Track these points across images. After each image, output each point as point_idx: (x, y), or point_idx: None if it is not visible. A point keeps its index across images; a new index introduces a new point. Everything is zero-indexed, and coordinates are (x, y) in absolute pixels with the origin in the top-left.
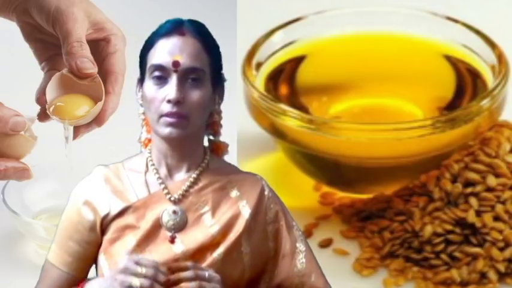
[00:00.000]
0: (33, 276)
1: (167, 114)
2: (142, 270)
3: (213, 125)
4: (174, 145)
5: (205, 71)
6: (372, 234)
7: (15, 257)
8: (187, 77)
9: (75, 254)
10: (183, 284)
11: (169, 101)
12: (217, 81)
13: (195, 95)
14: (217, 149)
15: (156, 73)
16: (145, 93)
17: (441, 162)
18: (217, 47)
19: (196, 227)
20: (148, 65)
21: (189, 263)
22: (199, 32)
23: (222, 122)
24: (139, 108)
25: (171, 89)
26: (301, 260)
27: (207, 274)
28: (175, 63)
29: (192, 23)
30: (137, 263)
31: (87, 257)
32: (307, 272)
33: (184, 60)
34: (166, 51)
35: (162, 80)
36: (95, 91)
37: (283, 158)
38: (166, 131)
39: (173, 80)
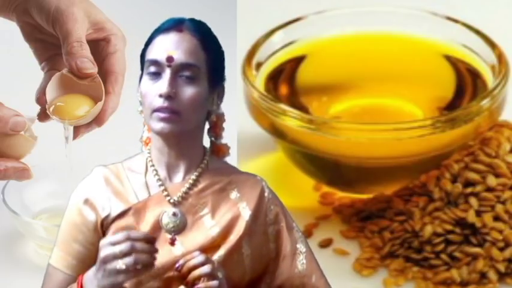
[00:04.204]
0: (33, 276)
1: (159, 109)
2: (119, 249)
3: (214, 127)
4: (171, 142)
5: (201, 68)
6: (372, 234)
7: (15, 257)
8: (181, 72)
9: (79, 256)
10: (196, 271)
11: (161, 96)
12: (217, 81)
13: (188, 91)
14: (218, 151)
15: (151, 68)
16: (141, 88)
17: (441, 162)
18: (217, 46)
19: (196, 229)
20: (145, 61)
21: (195, 252)
22: (198, 29)
23: (224, 125)
24: (139, 106)
25: (163, 83)
26: (301, 261)
27: (215, 260)
28: (169, 59)
29: (193, 21)
30: (112, 244)
31: (91, 259)
32: (308, 273)
33: (178, 56)
34: (162, 47)
35: (156, 75)
36: (95, 91)
37: (283, 158)
38: (158, 126)
39: (166, 74)
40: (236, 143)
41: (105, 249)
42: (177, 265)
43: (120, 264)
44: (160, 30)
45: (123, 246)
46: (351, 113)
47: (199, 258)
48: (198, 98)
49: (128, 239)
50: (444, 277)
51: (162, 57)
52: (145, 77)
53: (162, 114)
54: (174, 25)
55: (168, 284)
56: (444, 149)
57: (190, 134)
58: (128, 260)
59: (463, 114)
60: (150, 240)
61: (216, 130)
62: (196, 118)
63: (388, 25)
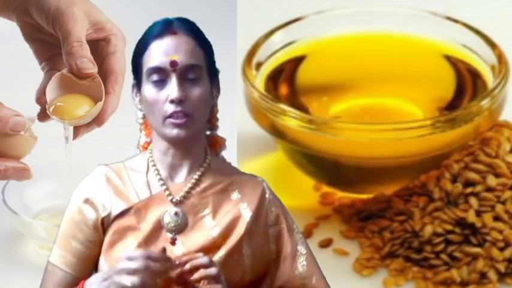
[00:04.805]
0: (33, 276)
1: (172, 115)
2: (133, 265)
3: (210, 118)
4: (178, 144)
5: (202, 66)
6: (372, 234)
7: (15, 257)
8: (186, 75)
9: (79, 254)
10: (202, 271)
11: (172, 101)
12: (213, 76)
13: (196, 91)
14: (215, 143)
15: (155, 76)
16: (146, 97)
17: (441, 162)
18: (208, 42)
19: (197, 229)
20: (144, 69)
21: (199, 253)
22: (190, 29)
23: (218, 115)
24: (138, 112)
25: (172, 89)
26: (302, 263)
27: (216, 260)
28: (173, 63)
29: (181, 20)
30: (129, 259)
31: (91, 257)
32: (308, 274)
33: (181, 59)
34: (161, 53)
35: (161, 81)
36: (95, 91)
37: (283, 158)
38: (173, 132)
39: (173, 79)
40: (236, 143)
41: (124, 261)
42: (179, 261)
43: (127, 280)
44: (152, 36)
45: (139, 263)
46: (351, 113)
47: (204, 259)
48: (205, 97)
49: (145, 257)
50: (444, 277)
51: (164, 63)
52: (149, 85)
53: (176, 120)
54: (166, 28)
55: (167, 284)
56: (444, 149)
57: (196, 133)
58: (136, 279)
59: (463, 114)
60: (167, 261)
61: (212, 121)
62: (205, 116)
63: (388, 25)
